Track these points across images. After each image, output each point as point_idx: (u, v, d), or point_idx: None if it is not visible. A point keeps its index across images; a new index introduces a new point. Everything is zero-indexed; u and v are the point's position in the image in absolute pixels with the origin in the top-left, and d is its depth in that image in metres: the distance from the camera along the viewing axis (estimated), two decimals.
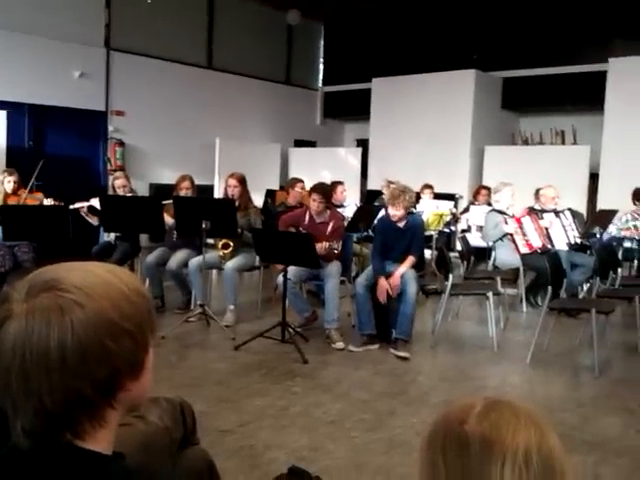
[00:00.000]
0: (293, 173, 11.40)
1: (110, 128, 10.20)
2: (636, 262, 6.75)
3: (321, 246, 4.95)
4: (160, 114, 10.78)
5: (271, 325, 4.97)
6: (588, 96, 10.29)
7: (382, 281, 4.97)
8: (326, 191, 5.50)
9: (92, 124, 10.04)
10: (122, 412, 0.96)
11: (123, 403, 0.94)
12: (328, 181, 7.83)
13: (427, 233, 7.71)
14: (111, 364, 0.90)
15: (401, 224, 5.15)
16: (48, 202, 6.05)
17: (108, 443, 0.95)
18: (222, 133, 11.30)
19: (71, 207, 6.10)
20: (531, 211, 6.86)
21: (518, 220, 6.48)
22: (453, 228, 8.75)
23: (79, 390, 0.88)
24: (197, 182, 6.30)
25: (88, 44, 9.78)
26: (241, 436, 3.33)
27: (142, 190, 9.78)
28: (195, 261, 5.63)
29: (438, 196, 8.81)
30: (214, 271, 6.88)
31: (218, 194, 10.39)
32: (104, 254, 6.12)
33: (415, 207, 8.04)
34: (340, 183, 7.52)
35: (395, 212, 5.04)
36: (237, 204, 5.59)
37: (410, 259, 5.10)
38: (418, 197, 8.16)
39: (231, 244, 5.64)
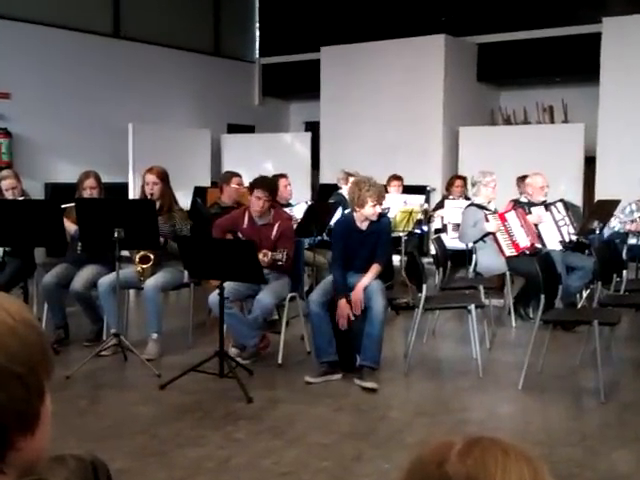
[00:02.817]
0: (227, 166, 11.34)
1: None
2: None
3: (262, 258, 4.92)
4: (56, 96, 10.56)
5: (206, 356, 4.91)
6: (580, 64, 10.59)
7: (343, 304, 4.97)
8: (271, 186, 5.49)
9: None
10: (14, 477, 0.92)
11: (15, 465, 0.91)
12: (270, 174, 7.80)
13: (394, 235, 7.77)
14: None
15: (363, 226, 5.17)
16: None
17: None
18: (136, 117, 11.16)
19: None
20: (516, 205, 6.98)
21: (502, 216, 6.60)
22: (425, 228, 8.85)
23: None
24: (106, 180, 6.19)
25: None
26: None
27: (36, 192, 9.54)
28: (106, 280, 5.53)
29: (406, 189, 8.91)
30: (131, 291, 6.75)
31: (133, 194, 10.23)
32: None
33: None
34: (283, 176, 7.50)
35: (379, 208, 5.09)
36: (158, 206, 5.51)
37: (375, 268, 5.11)
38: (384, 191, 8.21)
39: (151, 257, 5.56)
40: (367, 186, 5.01)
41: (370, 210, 5.04)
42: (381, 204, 5.14)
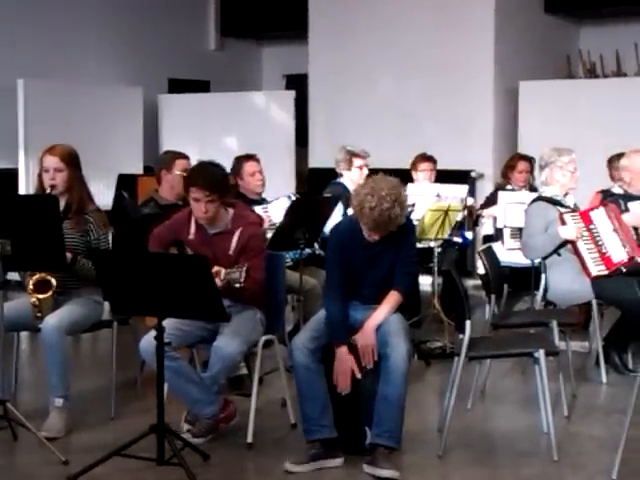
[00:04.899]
0: (168, 143, 11.31)
1: None
2: None
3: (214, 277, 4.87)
4: None
5: (138, 433, 4.88)
6: None
7: (344, 354, 4.97)
8: (213, 178, 5.41)
9: None
10: None
11: None
12: (233, 154, 7.78)
13: (422, 245, 7.74)
14: None
15: (375, 239, 5.14)
16: None
17: None
18: (30, 70, 11.11)
19: None
20: (607, 198, 6.97)
21: (585, 216, 6.58)
22: (470, 235, 8.82)
23: None
24: None
25: None
26: None
27: None
28: None
29: (441, 176, 8.88)
30: (23, 335, 6.71)
31: (26, 187, 10.19)
32: None
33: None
34: (251, 158, 7.49)
35: (378, 237, 5.03)
36: (63, 204, 5.50)
37: (393, 297, 5.10)
38: (408, 178, 8.18)
39: (53, 282, 5.53)
40: (371, 204, 4.89)
41: (365, 232, 5.04)
42: (380, 234, 5.02)
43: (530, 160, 8.84)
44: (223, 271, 4.94)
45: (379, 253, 5.13)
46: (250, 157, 7.49)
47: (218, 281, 4.87)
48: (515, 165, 8.88)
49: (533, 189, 8.39)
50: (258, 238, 5.48)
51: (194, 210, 5.36)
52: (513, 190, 8.56)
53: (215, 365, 5.19)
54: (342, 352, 4.97)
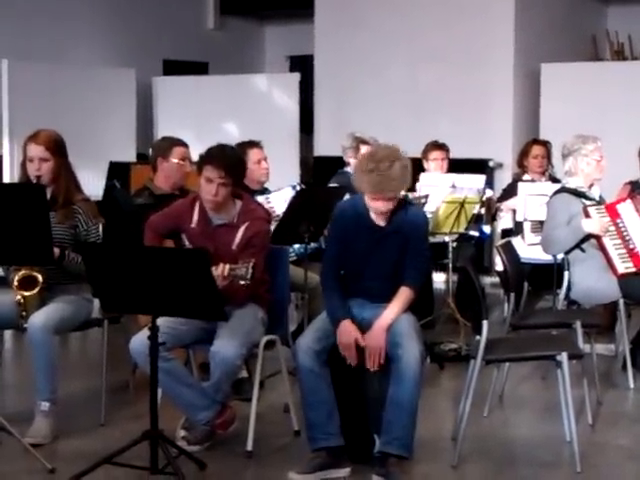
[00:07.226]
0: (164, 129, 11.30)
1: None
2: None
3: (218, 273, 4.86)
4: None
5: (130, 439, 4.87)
6: None
7: (346, 327, 4.97)
8: (232, 160, 5.43)
9: None
10: None
11: None
12: (233, 141, 7.76)
13: (436, 239, 7.73)
14: None
15: (382, 221, 5.15)
16: None
17: None
18: (14, 50, 11.11)
19: None
20: (636, 190, 6.95)
21: (611, 209, 6.56)
22: (487, 229, 8.80)
23: None
24: None
25: None
26: None
27: None
28: None
29: (455, 166, 8.87)
30: (7, 334, 6.72)
31: (10, 175, 10.19)
32: None
33: (414, 188, 8.06)
34: (255, 145, 7.49)
35: (383, 206, 5.02)
36: (49, 195, 5.47)
37: (404, 294, 5.09)
38: (419, 167, 8.17)
39: (39, 278, 5.53)
40: (367, 164, 4.94)
41: (370, 203, 5.04)
42: (391, 200, 5.00)
43: (545, 144, 8.81)
44: (227, 267, 4.91)
45: (385, 237, 5.12)
46: (255, 144, 7.47)
47: (222, 276, 4.86)
48: (529, 150, 8.86)
49: (555, 180, 8.36)
50: (263, 235, 5.45)
51: (203, 191, 5.34)
52: (533, 181, 8.53)
53: (215, 372, 5.18)
54: (345, 325, 4.98)
